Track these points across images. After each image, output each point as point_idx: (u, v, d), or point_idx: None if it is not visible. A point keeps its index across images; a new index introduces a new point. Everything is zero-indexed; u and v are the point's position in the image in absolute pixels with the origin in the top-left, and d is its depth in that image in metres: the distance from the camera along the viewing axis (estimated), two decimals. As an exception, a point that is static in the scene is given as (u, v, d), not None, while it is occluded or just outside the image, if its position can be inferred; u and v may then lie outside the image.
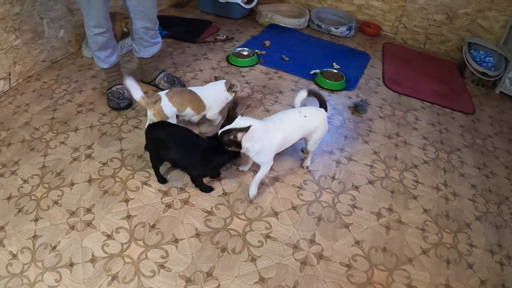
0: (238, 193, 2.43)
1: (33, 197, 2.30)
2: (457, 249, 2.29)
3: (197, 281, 1.93)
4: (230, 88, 2.78)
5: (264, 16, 4.93)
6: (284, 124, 2.27)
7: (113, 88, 3.07)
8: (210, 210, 2.31)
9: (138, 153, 2.64)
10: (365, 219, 2.39)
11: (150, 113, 2.57)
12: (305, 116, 2.35)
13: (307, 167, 2.68)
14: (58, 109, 3.01)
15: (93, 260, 1.99)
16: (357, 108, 3.34)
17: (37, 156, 2.58)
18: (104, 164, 2.55)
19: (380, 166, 2.79)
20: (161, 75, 3.28)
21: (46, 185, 2.38)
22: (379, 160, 2.84)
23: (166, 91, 2.63)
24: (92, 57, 3.04)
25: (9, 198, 2.29)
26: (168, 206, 2.30)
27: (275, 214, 2.33)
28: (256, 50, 4.09)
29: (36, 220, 2.17)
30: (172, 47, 4.11)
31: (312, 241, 2.20)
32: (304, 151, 2.78)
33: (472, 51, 4.34)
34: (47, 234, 2.10)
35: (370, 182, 2.65)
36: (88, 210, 2.24)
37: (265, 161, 2.26)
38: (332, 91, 3.62)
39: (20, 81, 3.32)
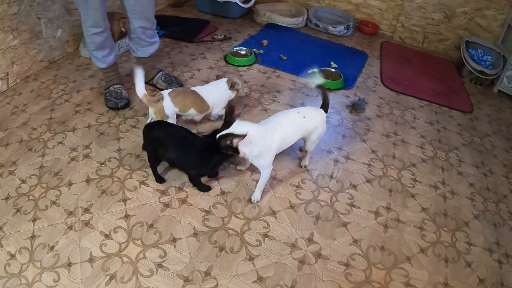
0: (236, 192, 2.43)
1: (31, 197, 2.30)
2: (456, 248, 2.29)
3: (195, 280, 1.93)
4: (232, 86, 2.79)
5: (262, 15, 4.93)
6: (283, 125, 2.25)
7: (111, 88, 3.06)
8: (208, 209, 2.31)
9: (136, 152, 2.64)
10: (363, 217, 2.39)
11: (151, 110, 2.59)
12: (304, 117, 2.34)
13: (305, 166, 2.68)
14: (56, 109, 3.01)
15: (91, 260, 1.98)
16: (355, 107, 3.34)
17: (35, 156, 2.58)
18: (102, 164, 2.55)
19: (378, 164, 2.80)
20: (158, 74, 3.28)
21: (44, 185, 2.38)
22: (377, 159, 2.84)
23: (169, 90, 2.64)
24: (90, 57, 3.03)
25: (7, 198, 2.28)
26: (166, 205, 2.30)
27: (273, 213, 2.33)
28: (254, 49, 4.09)
29: (34, 220, 2.16)
30: (170, 46, 4.11)
31: (310, 240, 2.20)
32: (302, 149, 2.78)
33: (470, 50, 4.35)
34: (45, 234, 2.09)
35: (368, 180, 2.65)
36: (86, 210, 2.24)
37: (265, 165, 2.25)
38: (330, 90, 3.62)
39: (18, 81, 3.31)
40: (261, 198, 2.39)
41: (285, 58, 4.09)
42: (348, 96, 3.56)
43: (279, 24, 4.91)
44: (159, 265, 1.98)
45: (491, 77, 4.12)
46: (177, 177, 2.49)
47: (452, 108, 3.66)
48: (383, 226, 2.35)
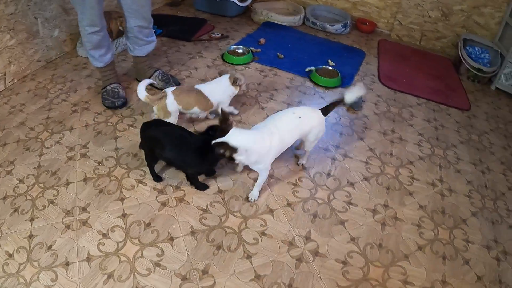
0: (233, 190, 2.43)
1: (28, 197, 2.30)
2: (453, 245, 2.29)
3: (193, 279, 1.93)
4: (234, 82, 2.80)
5: (259, 14, 4.92)
6: (279, 128, 2.22)
7: (108, 87, 3.06)
8: (205, 208, 2.31)
9: (133, 151, 2.63)
10: (361, 215, 2.39)
11: (155, 108, 2.62)
12: (300, 117, 2.31)
13: (302, 165, 2.68)
14: (53, 108, 3.00)
15: (88, 259, 1.98)
16: (353, 105, 3.33)
17: (33, 156, 2.57)
18: (99, 163, 2.55)
19: (375, 162, 2.80)
20: (156, 73, 3.28)
21: (42, 185, 2.38)
22: (375, 157, 2.85)
23: (173, 88, 2.66)
24: (87, 56, 3.03)
25: (4, 198, 2.28)
26: (164, 204, 2.30)
27: (271, 211, 2.33)
28: (251, 48, 4.09)
29: (31, 219, 2.16)
30: (167, 45, 4.11)
31: (307, 238, 2.20)
32: (298, 148, 2.78)
33: (467, 48, 4.35)
34: (42, 233, 2.10)
35: (365, 178, 2.65)
36: (84, 209, 2.24)
37: (264, 169, 2.26)
38: (327, 88, 3.62)
39: (15, 81, 3.31)
40: (259, 196, 2.39)
41: (282, 56, 4.09)
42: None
43: (276, 22, 4.91)
44: (157, 264, 1.98)
45: (489, 74, 4.12)
46: (174, 176, 2.49)
47: (450, 105, 3.66)
48: (381, 224, 2.35)
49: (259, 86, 3.52)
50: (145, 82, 2.59)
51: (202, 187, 2.41)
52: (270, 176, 2.54)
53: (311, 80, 3.73)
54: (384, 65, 4.21)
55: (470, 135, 3.29)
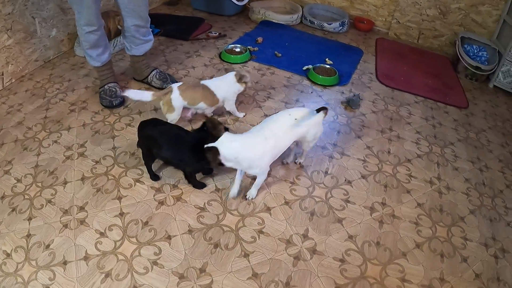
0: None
1: (26, 196, 2.30)
2: (451, 243, 2.29)
3: (190, 277, 1.94)
4: (240, 79, 2.82)
5: (257, 12, 4.92)
6: (274, 131, 2.17)
7: (106, 86, 3.06)
8: (202, 206, 2.31)
9: (130, 150, 2.64)
10: (358, 213, 2.39)
11: (160, 102, 2.66)
12: (296, 119, 2.27)
13: (300, 163, 2.68)
14: (51, 108, 3.01)
15: (86, 258, 1.99)
16: (350, 103, 3.34)
17: (30, 155, 2.58)
18: (97, 162, 2.55)
19: (373, 160, 2.80)
20: (153, 72, 3.28)
21: (39, 184, 2.38)
22: (372, 155, 2.85)
23: (180, 83, 2.68)
24: (84, 56, 3.03)
25: (2, 197, 2.29)
26: (161, 203, 2.30)
27: (268, 209, 2.33)
28: (249, 47, 4.09)
29: (29, 219, 2.17)
30: (165, 44, 4.11)
31: (305, 236, 2.20)
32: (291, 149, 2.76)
33: (465, 46, 4.35)
34: (40, 232, 2.10)
35: (363, 176, 2.65)
36: (81, 208, 2.24)
37: (260, 172, 2.25)
38: (324, 86, 3.63)
39: (13, 81, 3.31)
40: (256, 195, 2.39)
41: (280, 55, 4.09)
42: (343, 93, 3.57)
43: (274, 21, 4.90)
44: (154, 262, 1.98)
45: (487, 72, 4.12)
46: (172, 175, 2.49)
47: (448, 103, 3.66)
48: (379, 222, 2.35)
49: (256, 84, 3.52)
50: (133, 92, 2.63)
51: (200, 185, 2.41)
52: (268, 173, 2.54)
53: (308, 79, 3.73)
54: (382, 63, 4.22)
55: (468, 133, 3.29)
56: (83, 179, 2.42)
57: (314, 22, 4.91)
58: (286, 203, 2.39)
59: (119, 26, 3.81)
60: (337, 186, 2.55)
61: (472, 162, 2.95)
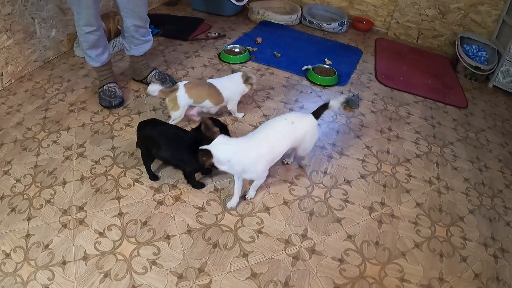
0: (229, 189, 2.43)
1: (25, 196, 2.30)
2: (451, 243, 2.29)
3: (189, 277, 1.94)
4: (246, 80, 2.83)
5: (256, 13, 4.93)
6: (269, 136, 2.15)
7: (105, 87, 3.06)
8: (201, 206, 2.31)
9: (129, 150, 2.64)
10: (357, 213, 2.39)
11: (166, 100, 2.67)
12: (293, 123, 2.23)
13: (305, 165, 2.66)
14: (50, 108, 3.01)
15: (85, 258, 1.99)
16: (349, 103, 3.34)
17: (30, 156, 2.58)
18: (96, 162, 2.55)
19: (372, 160, 2.80)
20: (152, 72, 3.28)
21: (39, 184, 2.38)
22: (371, 155, 2.85)
23: (186, 81, 2.69)
24: (84, 56, 3.03)
25: (2, 197, 2.29)
26: (160, 203, 2.31)
27: (267, 209, 2.33)
28: (248, 47, 4.09)
29: (28, 219, 2.17)
30: (164, 45, 4.11)
31: (304, 236, 2.20)
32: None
33: (464, 46, 4.35)
34: (39, 233, 2.10)
35: (362, 176, 2.65)
36: (80, 208, 2.24)
37: (256, 177, 2.23)
38: (324, 86, 3.63)
39: (12, 82, 3.31)
40: (255, 194, 2.39)
41: (279, 55, 4.09)
42: (342, 92, 3.57)
43: (273, 21, 4.91)
44: (153, 262, 1.98)
45: (486, 72, 4.12)
46: (170, 175, 2.49)
47: (447, 103, 3.66)
48: (378, 222, 2.35)
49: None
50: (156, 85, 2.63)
51: (199, 185, 2.41)
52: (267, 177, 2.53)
53: (307, 79, 3.73)
54: (381, 63, 4.22)
55: (467, 132, 3.29)
56: (82, 179, 2.42)
57: (313, 22, 4.91)
58: (285, 203, 2.39)
59: (119, 26, 3.81)
60: (336, 186, 2.55)
61: (471, 161, 2.95)
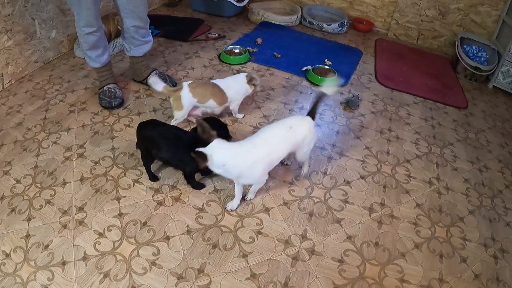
0: (229, 190, 2.43)
1: (25, 197, 2.30)
2: (451, 243, 2.29)
3: (189, 277, 1.94)
4: (250, 80, 2.85)
5: (256, 14, 4.93)
6: (267, 141, 2.13)
7: (105, 88, 3.06)
8: (201, 207, 2.31)
9: (129, 151, 2.64)
10: (357, 214, 2.39)
11: (170, 99, 2.69)
12: (291, 127, 2.21)
13: (304, 176, 2.60)
14: (51, 109, 3.01)
15: (85, 258, 1.99)
16: (349, 104, 3.34)
17: (30, 156, 2.58)
18: (96, 163, 2.55)
19: (372, 161, 2.80)
20: (152, 73, 3.28)
21: (39, 185, 2.38)
22: (371, 155, 2.85)
23: (190, 81, 2.70)
24: (84, 57, 3.03)
25: (2, 198, 2.29)
26: (160, 203, 2.31)
27: (267, 210, 2.33)
28: (248, 48, 4.09)
29: (28, 219, 2.17)
30: (164, 46, 4.11)
31: (303, 237, 2.20)
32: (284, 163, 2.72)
33: (465, 46, 4.36)
34: (39, 233, 2.10)
35: (362, 177, 2.65)
36: (80, 209, 2.24)
37: (252, 182, 2.23)
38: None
39: (12, 82, 3.32)
40: (255, 196, 2.39)
41: (279, 56, 4.09)
42: (342, 93, 3.57)
43: (273, 22, 4.91)
44: (153, 263, 1.99)
45: (486, 73, 4.12)
46: (170, 175, 2.49)
47: (447, 104, 3.66)
48: (377, 222, 2.35)
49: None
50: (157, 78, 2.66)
51: (198, 186, 2.42)
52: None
53: (307, 80, 3.73)
54: (381, 64, 4.22)
55: (467, 133, 3.29)
56: (82, 179, 2.43)
57: (313, 23, 4.91)
58: (285, 203, 2.39)
59: (119, 27, 3.82)
60: (336, 186, 2.55)
61: (471, 162, 2.95)
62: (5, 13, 3.05)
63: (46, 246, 2.03)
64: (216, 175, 2.46)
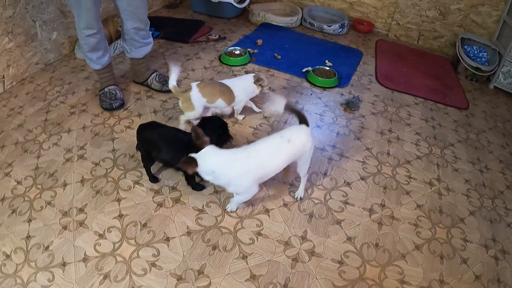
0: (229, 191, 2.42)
1: (26, 198, 2.31)
2: (451, 244, 2.29)
3: (188, 279, 1.94)
4: (257, 80, 2.87)
5: (257, 15, 4.93)
6: (260, 153, 2.09)
7: (106, 89, 3.07)
8: (201, 208, 2.31)
9: (130, 153, 2.64)
10: (357, 215, 2.39)
11: (179, 100, 2.69)
12: (289, 140, 2.12)
13: (300, 198, 2.46)
14: (51, 110, 3.02)
15: (85, 259, 1.99)
16: (350, 105, 3.34)
17: (31, 158, 2.59)
18: (96, 164, 2.56)
19: (372, 162, 2.80)
20: (153, 75, 3.29)
21: (39, 186, 2.39)
22: (372, 156, 2.84)
23: (198, 82, 2.71)
24: (85, 59, 3.04)
25: (2, 199, 2.30)
26: (160, 205, 2.31)
27: (266, 211, 2.33)
28: (249, 49, 4.09)
29: (29, 220, 2.18)
30: (164, 47, 4.12)
31: (303, 238, 2.20)
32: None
33: (465, 47, 4.35)
34: (40, 234, 2.11)
35: (362, 178, 2.65)
36: (81, 210, 2.25)
37: (240, 192, 2.15)
38: (324, 88, 3.63)
39: (14, 84, 3.32)
40: (255, 197, 2.37)
41: (279, 57, 4.10)
42: (342, 94, 3.57)
43: (273, 23, 4.92)
44: (153, 264, 1.99)
45: (487, 73, 4.11)
46: (170, 177, 2.50)
47: (448, 105, 3.66)
48: (378, 223, 2.35)
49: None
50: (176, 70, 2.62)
51: (199, 187, 2.42)
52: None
53: (308, 81, 3.73)
54: (381, 65, 4.22)
55: (468, 134, 3.28)
56: (82, 181, 2.43)
57: (313, 24, 4.91)
58: (285, 205, 2.39)
59: (119, 28, 3.82)
60: (336, 188, 2.55)
61: (472, 163, 2.95)
62: (6, 15, 3.06)
63: (47, 247, 2.04)
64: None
